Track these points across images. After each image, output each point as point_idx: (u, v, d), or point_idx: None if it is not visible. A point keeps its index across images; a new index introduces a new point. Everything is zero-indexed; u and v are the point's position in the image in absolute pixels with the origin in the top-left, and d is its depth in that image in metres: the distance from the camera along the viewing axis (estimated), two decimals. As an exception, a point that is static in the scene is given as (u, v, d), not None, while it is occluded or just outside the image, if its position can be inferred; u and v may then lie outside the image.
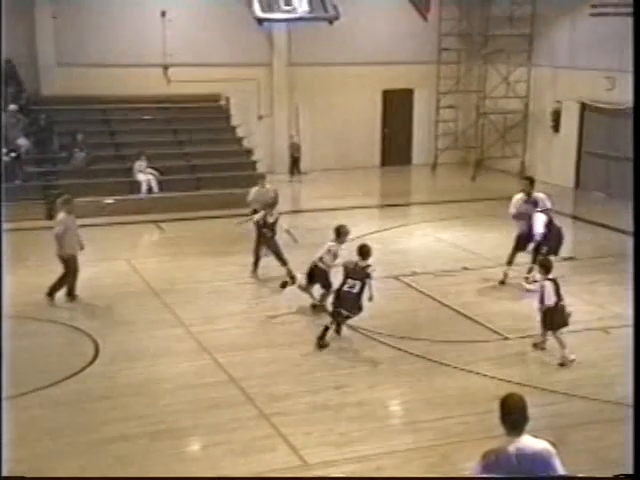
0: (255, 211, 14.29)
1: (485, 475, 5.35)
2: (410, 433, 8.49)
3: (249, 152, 20.27)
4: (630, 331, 11.13)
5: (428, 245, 15.49)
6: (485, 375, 9.71)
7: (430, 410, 8.89)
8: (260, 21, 19.85)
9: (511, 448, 5.35)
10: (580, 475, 6.84)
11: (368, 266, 10.48)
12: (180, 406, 8.94)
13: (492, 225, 16.21)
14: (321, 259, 11.62)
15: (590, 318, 11.53)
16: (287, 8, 19.28)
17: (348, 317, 10.68)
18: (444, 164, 22.90)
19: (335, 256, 11.49)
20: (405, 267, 13.88)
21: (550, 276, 10.15)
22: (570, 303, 11.94)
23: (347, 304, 10.49)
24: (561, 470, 5.43)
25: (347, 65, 21.77)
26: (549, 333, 10.24)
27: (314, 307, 11.84)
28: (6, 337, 10.09)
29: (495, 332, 11.09)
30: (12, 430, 7.84)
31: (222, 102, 21.08)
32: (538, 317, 10.32)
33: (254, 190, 15.13)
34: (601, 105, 18.96)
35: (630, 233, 16.52)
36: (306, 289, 11.89)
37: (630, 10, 17.93)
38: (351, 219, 17.09)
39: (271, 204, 13.90)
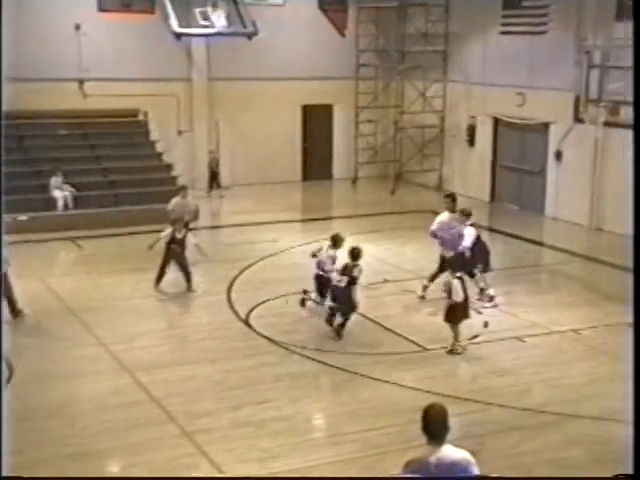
0: (174, 221, 14.23)
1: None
2: (333, 446, 8.53)
3: (169, 167, 20.09)
4: (545, 339, 11.51)
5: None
6: (406, 386, 9.83)
7: (352, 422, 8.95)
8: (178, 36, 19.74)
9: (431, 458, 5.44)
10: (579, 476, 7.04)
11: (356, 266, 11.36)
12: (99, 427, 8.75)
13: (411, 237, 16.46)
14: (323, 269, 12.05)
15: (506, 327, 11.84)
16: (205, 23, 19.22)
17: (339, 311, 11.41)
18: (364, 178, 23.17)
19: (333, 262, 12.02)
20: (326, 281, 13.92)
21: (458, 274, 10.81)
22: (487, 313, 12.31)
23: (338, 299, 11.39)
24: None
25: (267, 80, 21.84)
26: (449, 325, 10.82)
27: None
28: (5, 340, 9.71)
29: (416, 343, 11.25)
30: None
31: (141, 117, 20.83)
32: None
33: (174, 201, 15.06)
34: (513, 120, 19.54)
35: (542, 244, 17.07)
36: (320, 302, 12.21)
37: (537, 29, 18.64)
38: (273, 234, 17.22)
39: (183, 218, 13.92)
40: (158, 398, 9.42)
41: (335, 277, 11.62)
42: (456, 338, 10.86)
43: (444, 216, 12.88)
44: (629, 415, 7.88)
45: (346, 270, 11.43)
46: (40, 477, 7.40)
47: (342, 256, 11.98)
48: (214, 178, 21.32)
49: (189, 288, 13.46)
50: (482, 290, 12.69)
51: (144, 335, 11.53)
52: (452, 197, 13.20)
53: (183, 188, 15.67)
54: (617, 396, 9.62)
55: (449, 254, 12.42)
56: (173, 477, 7.83)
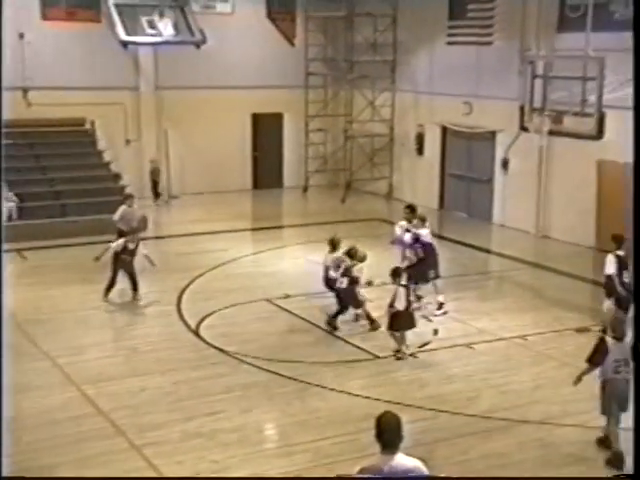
0: (120, 232, 14.07)
1: None
2: (285, 457, 8.50)
3: (116, 177, 19.85)
4: (493, 346, 11.66)
5: (299, 267, 15.62)
6: (357, 395, 9.87)
7: (304, 432, 8.94)
8: (125, 44, 19.54)
9: (384, 467, 5.45)
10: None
11: (354, 265, 12.00)
12: (44, 443, 8.58)
13: (362, 246, 16.46)
14: (328, 275, 12.28)
15: (455, 334, 11.96)
16: (152, 32, 19.07)
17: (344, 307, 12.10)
18: (315, 186, 23.22)
19: (338, 265, 12.17)
20: (277, 289, 13.93)
21: (403, 282, 10.92)
22: (436, 320, 12.43)
23: (344, 299, 12.09)
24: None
25: (216, 89, 21.75)
26: (389, 333, 10.98)
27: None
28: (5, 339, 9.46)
29: (366, 351, 11.30)
30: None
31: (87, 126, 20.56)
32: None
33: (121, 209, 14.92)
34: (460, 129, 19.80)
35: (489, 251, 17.31)
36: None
37: (482, 39, 18.96)
38: (223, 243, 17.15)
39: (136, 229, 13.79)
40: (106, 411, 9.29)
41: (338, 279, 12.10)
42: (399, 344, 10.98)
43: (402, 224, 13.07)
44: (630, 415, 8.09)
45: (346, 271, 11.98)
46: (40, 477, 7.28)
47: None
48: (155, 187, 21.13)
49: (135, 296, 13.39)
50: (419, 297, 12.75)
51: (92, 347, 11.36)
52: (412, 208, 13.30)
53: (129, 197, 15.52)
54: (563, 400, 9.81)
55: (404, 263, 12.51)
56: (173, 477, 7.73)
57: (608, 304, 11.51)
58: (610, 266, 11.41)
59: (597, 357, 8.44)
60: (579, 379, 8.65)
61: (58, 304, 13.14)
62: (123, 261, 13.24)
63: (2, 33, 17.64)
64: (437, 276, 12.98)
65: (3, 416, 7.45)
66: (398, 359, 10.91)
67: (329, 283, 12.41)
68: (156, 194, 21.09)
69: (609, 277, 11.44)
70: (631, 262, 11.26)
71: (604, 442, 8.57)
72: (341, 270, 12.06)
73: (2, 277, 11.47)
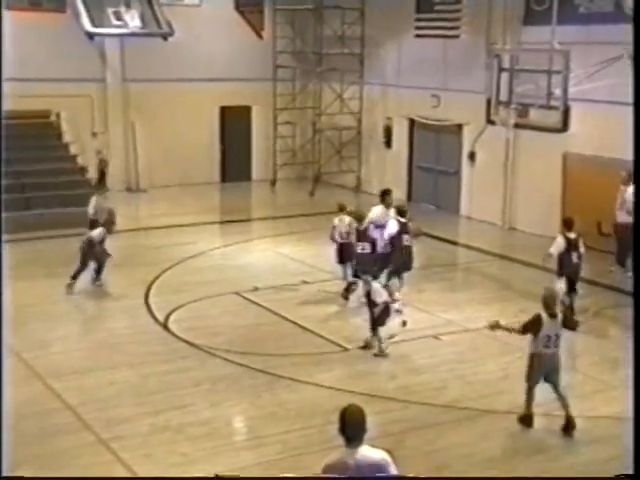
0: (93, 222, 13.95)
1: None
2: (253, 449, 8.52)
3: (83, 170, 19.66)
4: (461, 337, 11.77)
5: (268, 260, 15.62)
6: (325, 386, 9.90)
7: (272, 425, 8.95)
8: (90, 36, 19.32)
9: (349, 460, 5.47)
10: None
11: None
12: (11, 437, 8.49)
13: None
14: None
15: (422, 326, 12.04)
16: (118, 23, 18.88)
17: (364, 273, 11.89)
18: (283, 179, 23.19)
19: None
20: (246, 282, 13.91)
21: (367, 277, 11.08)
22: (405, 312, 12.50)
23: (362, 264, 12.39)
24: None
25: (183, 81, 21.61)
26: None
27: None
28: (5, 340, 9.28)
29: (335, 344, 11.34)
30: None
31: (53, 118, 20.32)
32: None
33: (94, 199, 14.89)
34: (428, 122, 19.89)
35: (457, 243, 17.44)
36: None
37: (450, 33, 19.06)
38: (191, 236, 17.07)
39: (109, 220, 13.82)
40: (73, 406, 9.22)
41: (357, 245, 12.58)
42: (381, 341, 10.89)
43: (377, 209, 13.01)
44: (629, 414, 8.21)
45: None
46: (40, 477, 7.26)
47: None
48: (102, 179, 20.83)
49: (97, 280, 13.48)
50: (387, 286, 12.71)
51: (58, 341, 11.27)
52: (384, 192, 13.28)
53: (102, 187, 15.47)
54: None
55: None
56: (173, 477, 7.73)
57: (559, 283, 12.09)
58: (556, 247, 12.05)
59: (530, 328, 8.84)
60: (497, 326, 9.32)
61: (23, 298, 12.95)
62: (97, 251, 13.21)
63: (2, 33, 17.36)
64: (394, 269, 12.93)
65: (3, 416, 7.39)
66: (382, 355, 10.83)
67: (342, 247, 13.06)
68: (102, 186, 20.70)
69: (553, 256, 12.15)
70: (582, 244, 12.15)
71: (570, 425, 8.82)
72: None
73: (2, 274, 11.37)
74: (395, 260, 12.87)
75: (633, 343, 9.85)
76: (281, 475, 7.44)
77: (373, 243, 12.85)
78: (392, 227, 12.87)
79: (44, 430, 8.66)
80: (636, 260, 10.17)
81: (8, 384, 9.71)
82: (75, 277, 13.29)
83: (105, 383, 9.89)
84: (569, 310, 12.14)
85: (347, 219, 13.27)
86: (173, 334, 11.62)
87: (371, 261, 12.62)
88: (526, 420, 8.99)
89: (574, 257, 12.12)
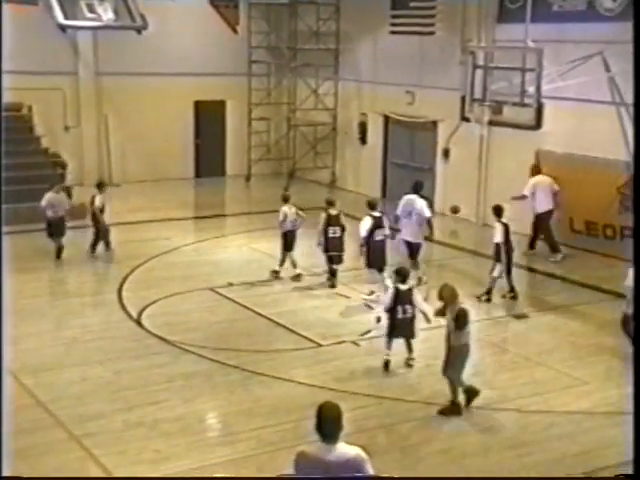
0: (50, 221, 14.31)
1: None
2: (227, 445, 8.50)
3: (55, 164, 19.44)
4: (435, 333, 11.78)
5: (243, 256, 15.58)
6: (300, 382, 9.90)
7: (246, 421, 8.94)
8: (63, 28, 19.10)
9: (326, 457, 5.48)
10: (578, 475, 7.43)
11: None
12: (-19, 435, 8.40)
13: (304, 234, 16.50)
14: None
15: (397, 322, 12.05)
16: (91, 16, 18.68)
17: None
18: (258, 175, 23.12)
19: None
20: (220, 278, 13.87)
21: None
22: (379, 309, 12.51)
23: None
24: (372, 473, 5.65)
25: (157, 75, 21.46)
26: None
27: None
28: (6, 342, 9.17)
29: (309, 340, 11.34)
30: None
31: (24, 112, 20.09)
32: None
33: (48, 195, 14.85)
34: (403, 118, 19.94)
35: (431, 240, 17.46)
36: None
37: (425, 29, 19.11)
38: (165, 231, 16.97)
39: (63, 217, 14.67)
40: (44, 402, 9.14)
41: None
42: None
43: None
44: (629, 415, 8.28)
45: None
46: (40, 477, 7.20)
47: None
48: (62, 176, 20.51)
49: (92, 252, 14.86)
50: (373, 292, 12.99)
51: (29, 337, 11.14)
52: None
53: (60, 182, 15.41)
54: (502, 386, 10.02)
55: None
56: (174, 477, 7.67)
57: (498, 269, 12.90)
58: (498, 235, 12.77)
59: (463, 321, 9.11)
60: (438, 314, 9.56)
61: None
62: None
63: (2, 33, 17.12)
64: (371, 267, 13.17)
65: (3, 416, 7.30)
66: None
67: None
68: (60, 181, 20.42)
69: (497, 245, 12.85)
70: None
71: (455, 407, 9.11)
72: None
73: (2, 271, 11.25)
74: (371, 257, 12.93)
75: (633, 343, 9.97)
76: (279, 475, 7.42)
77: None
78: (365, 225, 12.92)
79: (16, 426, 8.52)
80: (636, 259, 10.29)
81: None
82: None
83: (77, 379, 9.81)
84: (511, 293, 13.02)
85: (293, 209, 13.92)
86: (146, 330, 11.55)
87: (341, 245, 13.48)
88: (457, 410, 9.12)
89: (509, 243, 12.94)
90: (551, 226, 15.65)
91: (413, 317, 10.26)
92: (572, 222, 16.14)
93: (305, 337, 11.42)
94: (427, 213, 13.59)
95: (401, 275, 10.33)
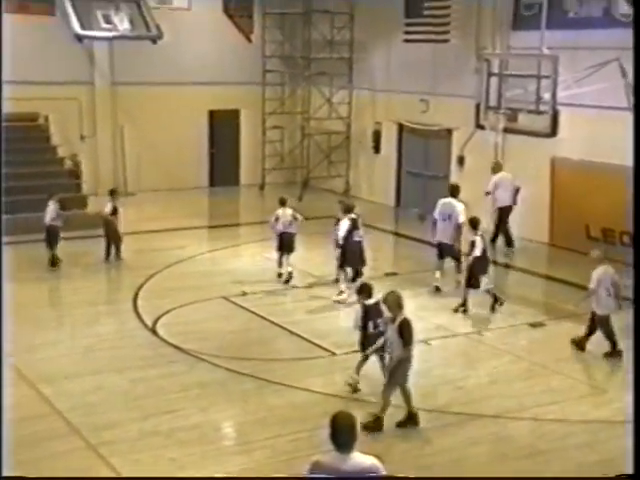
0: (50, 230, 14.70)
1: None
2: (242, 454, 8.48)
3: (71, 173, 19.55)
4: (450, 341, 11.77)
5: (257, 265, 15.57)
6: (314, 391, 9.87)
7: (262, 429, 8.91)
8: (79, 38, 19.23)
9: (342, 466, 5.44)
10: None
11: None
12: (-1, 443, 8.43)
13: (318, 243, 16.51)
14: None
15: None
16: (107, 26, 18.81)
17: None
18: (271, 184, 23.14)
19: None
20: (235, 287, 13.87)
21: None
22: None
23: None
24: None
25: (172, 85, 21.57)
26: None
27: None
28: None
29: (324, 348, 11.31)
30: None
31: (41, 121, 20.22)
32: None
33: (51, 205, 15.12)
34: (417, 126, 19.92)
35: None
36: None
37: (439, 37, 19.11)
38: (180, 240, 17.02)
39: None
40: (61, 410, 9.16)
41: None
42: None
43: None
44: (629, 415, 8.24)
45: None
46: (40, 477, 7.20)
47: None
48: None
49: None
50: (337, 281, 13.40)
51: (46, 345, 11.19)
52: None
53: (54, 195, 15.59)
54: (518, 394, 9.95)
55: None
56: (174, 477, 7.68)
57: (485, 281, 12.85)
58: (479, 248, 12.75)
59: (411, 338, 8.80)
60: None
61: (11, 302, 12.89)
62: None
63: (2, 33, 17.30)
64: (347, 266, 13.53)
65: (3, 416, 7.33)
66: None
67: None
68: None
69: (477, 258, 12.74)
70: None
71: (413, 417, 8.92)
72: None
73: (2, 275, 11.33)
74: (349, 258, 13.32)
75: (633, 344, 9.87)
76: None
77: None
78: (343, 227, 13.23)
79: (34, 435, 8.59)
80: (636, 259, 10.19)
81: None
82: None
83: (93, 388, 9.82)
84: (494, 299, 12.86)
85: (289, 211, 14.27)
86: (162, 339, 11.56)
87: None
88: (379, 425, 8.75)
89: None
90: (509, 221, 16.38)
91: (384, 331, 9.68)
92: (588, 229, 16.04)
93: (319, 346, 11.39)
94: (461, 219, 13.68)
95: (365, 291, 9.87)
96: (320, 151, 22.54)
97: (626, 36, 14.82)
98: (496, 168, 16.63)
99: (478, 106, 15.07)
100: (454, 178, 19.31)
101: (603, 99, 14.77)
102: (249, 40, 22.95)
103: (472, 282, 12.75)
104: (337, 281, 13.52)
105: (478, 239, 12.79)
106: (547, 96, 13.66)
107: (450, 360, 11.13)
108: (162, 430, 8.81)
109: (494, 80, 14.83)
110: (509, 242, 16.43)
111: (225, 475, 8.00)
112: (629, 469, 7.73)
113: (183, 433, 8.77)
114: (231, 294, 13.49)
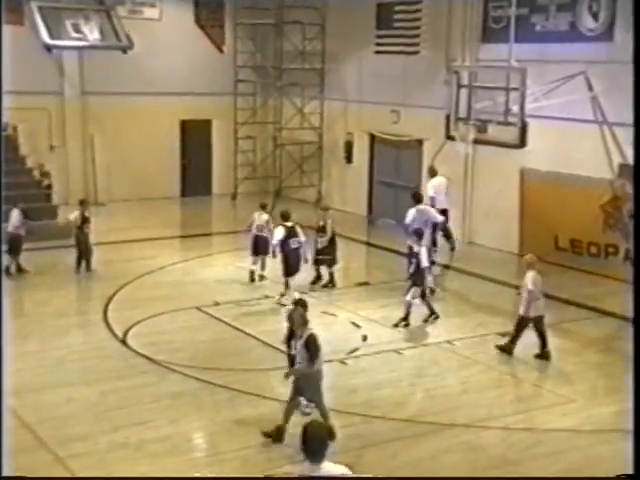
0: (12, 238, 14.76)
1: None
2: (214, 465, 8.46)
3: (40, 183, 19.39)
4: (421, 351, 11.83)
5: (229, 274, 15.55)
6: (286, 401, 9.84)
7: (233, 440, 8.89)
8: (48, 48, 19.12)
9: (312, 475, 5.46)
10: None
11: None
12: (-35, 457, 8.31)
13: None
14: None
15: (384, 340, 12.08)
16: (77, 35, 18.73)
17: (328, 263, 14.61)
18: (244, 194, 23.13)
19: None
20: (207, 297, 13.83)
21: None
22: (365, 327, 12.55)
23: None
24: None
25: (143, 95, 21.49)
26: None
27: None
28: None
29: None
30: None
31: (9, 131, 20.03)
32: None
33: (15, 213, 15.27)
34: (388, 137, 20.04)
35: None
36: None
37: (409, 49, 19.27)
38: (151, 251, 16.94)
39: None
40: (30, 423, 9.07)
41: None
42: None
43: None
44: (616, 432, 8.30)
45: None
46: (40, 477, 7.17)
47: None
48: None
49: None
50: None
51: (14, 358, 11.02)
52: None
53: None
54: (489, 404, 10.03)
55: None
56: (174, 477, 7.66)
57: (412, 293, 12.65)
58: (424, 259, 12.92)
59: (317, 349, 8.71)
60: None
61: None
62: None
63: (2, 34, 17.13)
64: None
65: (3, 416, 7.23)
66: None
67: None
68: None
69: (423, 270, 12.90)
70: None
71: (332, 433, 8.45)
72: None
73: (2, 281, 11.20)
74: (290, 265, 13.68)
75: (633, 345, 9.98)
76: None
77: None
78: (278, 235, 13.63)
79: (-1, 449, 8.48)
80: (636, 258, 10.33)
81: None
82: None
83: (62, 400, 9.74)
84: (434, 315, 12.85)
85: (265, 216, 14.96)
86: (132, 349, 11.50)
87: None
88: (280, 435, 8.67)
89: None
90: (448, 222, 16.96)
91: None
92: (557, 240, 16.24)
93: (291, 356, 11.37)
94: (440, 218, 15.04)
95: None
96: (292, 161, 22.59)
97: (592, 50, 15.14)
98: (432, 172, 17.23)
99: (448, 117, 15.23)
100: (425, 188, 19.46)
101: (570, 111, 14.99)
102: (221, 50, 22.96)
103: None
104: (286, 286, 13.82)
105: (423, 250, 12.90)
106: (516, 108, 13.83)
107: (421, 369, 11.19)
108: (132, 442, 8.76)
109: (464, 92, 14.99)
110: (449, 240, 17.08)
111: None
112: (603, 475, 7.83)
113: (154, 445, 8.73)
114: (203, 304, 13.46)
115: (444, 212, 16.53)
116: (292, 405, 8.89)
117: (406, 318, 12.57)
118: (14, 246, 14.91)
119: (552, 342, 12.14)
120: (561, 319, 13.16)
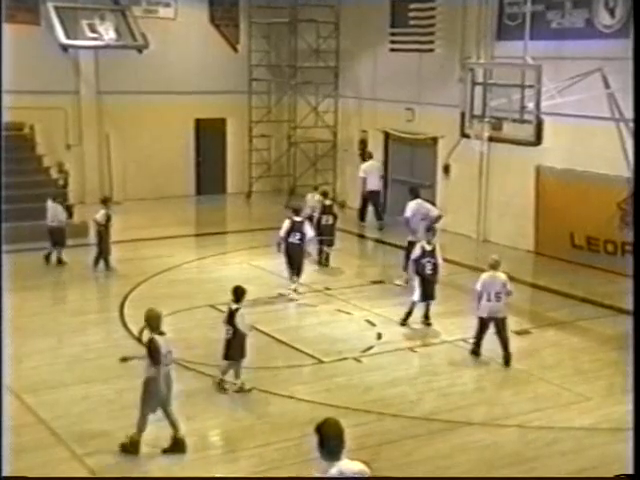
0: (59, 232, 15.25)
1: None
2: (230, 463, 8.49)
3: (57, 182, 19.47)
4: (436, 349, 11.81)
5: (244, 273, 15.56)
6: (302, 399, 9.88)
7: (249, 438, 8.92)
8: (65, 48, 19.23)
9: (333, 471, 5.45)
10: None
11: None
12: (-17, 453, 8.38)
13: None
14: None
15: (399, 338, 12.08)
16: (92, 35, 18.82)
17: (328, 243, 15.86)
18: (258, 192, 23.18)
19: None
20: (221, 296, 13.79)
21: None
22: (380, 325, 12.54)
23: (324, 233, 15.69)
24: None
25: (159, 94, 21.56)
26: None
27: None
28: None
29: (311, 356, 11.33)
30: None
31: (26, 131, 20.16)
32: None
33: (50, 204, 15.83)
34: (403, 135, 20.01)
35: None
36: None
37: (424, 47, 19.23)
38: (166, 249, 17.00)
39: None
40: (47, 420, 9.12)
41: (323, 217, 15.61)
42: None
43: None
44: (629, 417, 8.25)
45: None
46: (40, 477, 7.23)
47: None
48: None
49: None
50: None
51: (31, 355, 11.14)
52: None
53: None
54: (505, 402, 10.00)
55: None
56: (175, 477, 7.68)
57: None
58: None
59: (155, 355, 8.55)
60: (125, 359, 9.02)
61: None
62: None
63: (2, 34, 17.27)
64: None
65: (3, 416, 7.30)
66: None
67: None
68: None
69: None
70: None
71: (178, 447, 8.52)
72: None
73: (2, 278, 11.28)
74: (289, 256, 14.05)
75: (633, 346, 9.92)
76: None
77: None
78: (284, 228, 14.11)
79: (19, 445, 8.53)
80: (636, 259, 10.29)
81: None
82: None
83: (79, 397, 9.80)
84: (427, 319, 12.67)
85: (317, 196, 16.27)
86: (148, 347, 11.51)
87: (333, 230, 15.86)
88: (134, 447, 8.47)
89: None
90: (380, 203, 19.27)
91: (231, 338, 10.03)
92: (573, 237, 16.16)
93: (307, 354, 11.41)
94: (436, 212, 15.08)
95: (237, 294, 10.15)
96: (307, 159, 22.59)
97: (608, 46, 15.04)
98: (366, 156, 19.49)
99: (463, 115, 15.17)
100: (440, 186, 19.44)
101: (586, 109, 14.91)
102: (235, 49, 23.00)
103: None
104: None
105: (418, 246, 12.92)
106: (531, 105, 13.77)
107: (436, 367, 11.17)
108: (148, 440, 8.78)
109: (479, 89, 14.93)
110: (380, 217, 19.09)
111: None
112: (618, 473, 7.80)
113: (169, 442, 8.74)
114: (218, 302, 13.47)
115: (373, 192, 18.92)
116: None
117: (407, 316, 12.53)
118: (60, 238, 15.47)
119: (568, 340, 12.12)
120: (577, 317, 13.12)
